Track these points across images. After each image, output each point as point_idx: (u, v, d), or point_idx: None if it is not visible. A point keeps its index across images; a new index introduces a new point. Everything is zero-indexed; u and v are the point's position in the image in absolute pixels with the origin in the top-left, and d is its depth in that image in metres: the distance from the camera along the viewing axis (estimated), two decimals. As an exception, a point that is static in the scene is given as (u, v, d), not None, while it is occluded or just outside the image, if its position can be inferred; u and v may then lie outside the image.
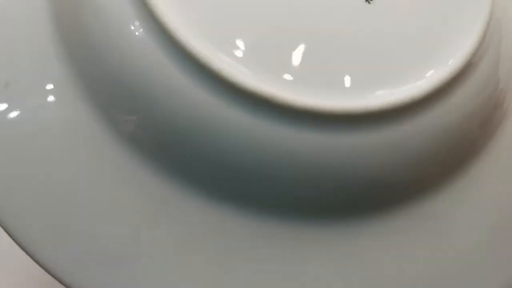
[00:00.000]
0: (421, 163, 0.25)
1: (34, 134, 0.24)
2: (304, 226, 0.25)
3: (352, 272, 0.25)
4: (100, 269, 0.24)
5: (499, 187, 0.27)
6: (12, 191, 0.24)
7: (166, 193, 0.24)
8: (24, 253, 0.24)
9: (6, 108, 0.25)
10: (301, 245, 0.25)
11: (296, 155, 0.23)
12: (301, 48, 0.24)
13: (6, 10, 0.26)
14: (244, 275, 0.24)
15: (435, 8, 0.26)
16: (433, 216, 0.26)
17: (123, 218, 0.24)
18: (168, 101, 0.23)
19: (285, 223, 0.24)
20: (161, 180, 0.24)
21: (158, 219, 0.24)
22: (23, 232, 0.24)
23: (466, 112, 0.25)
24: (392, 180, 0.25)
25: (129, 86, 0.24)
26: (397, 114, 0.23)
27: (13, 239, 0.24)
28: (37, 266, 0.24)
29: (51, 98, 0.25)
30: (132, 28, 0.23)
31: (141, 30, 0.23)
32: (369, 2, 0.25)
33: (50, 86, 0.25)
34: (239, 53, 0.23)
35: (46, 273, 0.24)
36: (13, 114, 0.25)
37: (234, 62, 0.23)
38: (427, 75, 0.24)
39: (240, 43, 0.23)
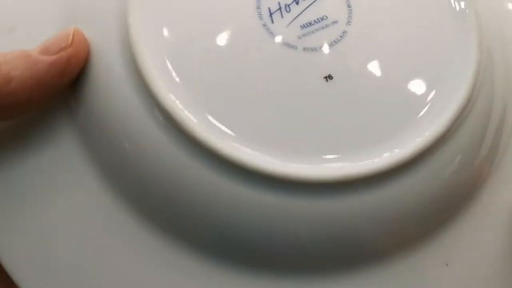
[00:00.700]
0: (388, 228, 0.26)
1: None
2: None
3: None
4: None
5: (476, 249, 0.28)
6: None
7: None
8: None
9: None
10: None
11: (267, 217, 0.25)
12: (275, 122, 0.25)
13: None
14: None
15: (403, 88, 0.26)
16: (406, 275, 0.27)
17: None
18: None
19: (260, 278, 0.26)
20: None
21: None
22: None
23: (426, 190, 0.26)
24: (357, 243, 0.26)
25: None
26: (353, 186, 0.25)
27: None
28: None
29: None
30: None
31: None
32: (327, 80, 0.26)
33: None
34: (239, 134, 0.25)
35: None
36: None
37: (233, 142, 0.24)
38: (385, 155, 0.25)
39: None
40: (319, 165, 0.24)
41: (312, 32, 0.27)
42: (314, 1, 0.27)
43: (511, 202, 0.28)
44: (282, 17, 0.27)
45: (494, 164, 0.29)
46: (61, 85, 0.25)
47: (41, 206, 0.26)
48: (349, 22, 0.27)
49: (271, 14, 0.27)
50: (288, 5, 0.27)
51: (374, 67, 0.26)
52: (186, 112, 0.24)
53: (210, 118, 0.24)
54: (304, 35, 0.26)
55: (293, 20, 0.27)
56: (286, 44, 0.26)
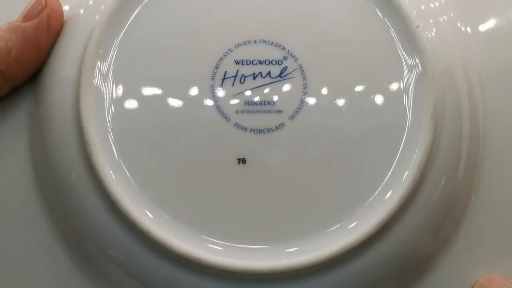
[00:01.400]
0: None
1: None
2: None
3: None
4: None
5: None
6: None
7: None
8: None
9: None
10: None
11: None
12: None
13: None
14: None
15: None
16: None
17: None
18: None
19: None
20: None
21: None
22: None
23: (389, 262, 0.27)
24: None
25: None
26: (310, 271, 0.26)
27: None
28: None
29: None
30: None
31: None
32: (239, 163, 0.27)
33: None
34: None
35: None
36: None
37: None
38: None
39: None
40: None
41: (252, 112, 0.27)
42: (272, 83, 0.27)
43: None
44: (233, 85, 0.27)
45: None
46: (50, 40, 0.29)
47: None
48: (293, 116, 0.27)
49: (224, 78, 0.27)
50: (245, 76, 0.27)
51: (294, 165, 0.27)
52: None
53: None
54: (243, 111, 0.27)
55: (241, 92, 0.27)
56: (221, 113, 0.27)
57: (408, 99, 0.27)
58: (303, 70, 0.27)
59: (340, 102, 0.27)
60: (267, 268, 0.25)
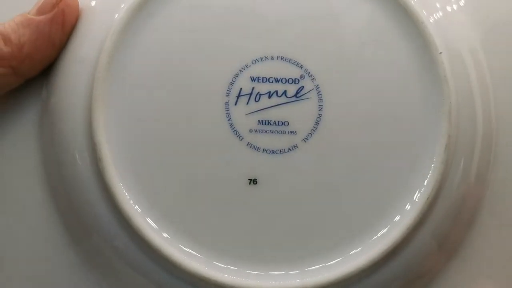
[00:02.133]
0: None
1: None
2: None
3: None
4: None
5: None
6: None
7: None
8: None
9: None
10: None
11: None
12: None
13: None
14: None
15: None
16: None
17: None
18: None
19: None
20: None
21: None
22: None
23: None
24: None
25: None
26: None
27: None
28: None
29: None
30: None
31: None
32: (250, 183, 0.26)
33: None
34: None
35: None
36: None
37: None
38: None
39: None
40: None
41: (266, 132, 0.27)
42: (287, 103, 0.27)
43: None
44: (247, 103, 0.27)
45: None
46: (64, 36, 0.28)
47: None
48: (307, 138, 0.27)
49: (238, 95, 0.27)
50: (261, 95, 0.27)
51: (305, 188, 0.27)
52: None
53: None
54: (256, 131, 0.27)
55: (256, 111, 0.27)
56: (234, 131, 0.27)
57: (424, 128, 0.26)
58: (319, 91, 0.27)
59: (355, 126, 0.27)
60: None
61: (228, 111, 0.27)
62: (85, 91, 0.27)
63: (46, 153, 0.28)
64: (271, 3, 0.27)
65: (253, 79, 0.27)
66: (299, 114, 0.27)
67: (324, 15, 0.27)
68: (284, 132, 0.27)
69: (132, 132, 0.27)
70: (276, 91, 0.27)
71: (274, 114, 0.27)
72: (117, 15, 0.27)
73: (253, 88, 0.27)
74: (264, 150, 0.27)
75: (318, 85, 0.27)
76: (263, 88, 0.27)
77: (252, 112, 0.27)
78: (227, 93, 0.27)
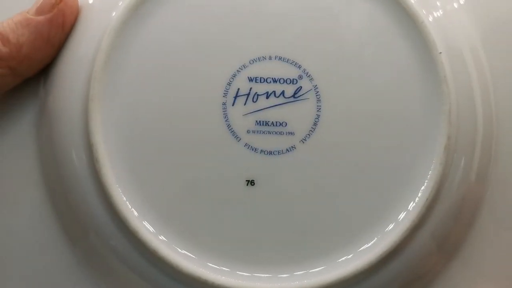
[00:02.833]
0: None
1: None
2: None
3: None
4: None
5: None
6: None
7: None
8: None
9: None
10: None
11: None
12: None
13: None
14: None
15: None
16: None
17: None
18: None
19: None
20: None
21: None
22: None
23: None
24: None
25: None
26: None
27: None
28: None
29: None
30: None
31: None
32: (247, 184, 0.26)
33: None
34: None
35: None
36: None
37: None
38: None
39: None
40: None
41: (263, 132, 0.27)
42: (285, 103, 0.26)
43: None
44: (245, 103, 0.26)
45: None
46: (64, 36, 0.28)
47: None
48: (305, 139, 0.26)
49: (236, 96, 0.26)
50: (259, 95, 0.26)
51: (303, 189, 0.27)
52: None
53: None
54: (254, 132, 0.26)
55: (254, 112, 0.27)
56: (232, 132, 0.26)
57: (423, 128, 0.26)
58: (317, 92, 0.26)
59: (354, 127, 0.26)
60: None
61: (225, 112, 0.26)
62: (82, 90, 0.27)
63: (44, 153, 0.28)
64: (269, 2, 0.26)
65: (250, 79, 0.26)
66: (297, 115, 0.26)
67: (323, 15, 0.26)
68: (282, 133, 0.27)
69: (129, 132, 0.26)
70: (274, 92, 0.26)
71: (272, 115, 0.27)
72: (114, 13, 0.27)
73: (250, 89, 0.26)
74: (261, 151, 0.26)
75: (316, 85, 0.26)
76: (261, 88, 0.26)
77: (250, 113, 0.27)
78: (224, 93, 0.26)
